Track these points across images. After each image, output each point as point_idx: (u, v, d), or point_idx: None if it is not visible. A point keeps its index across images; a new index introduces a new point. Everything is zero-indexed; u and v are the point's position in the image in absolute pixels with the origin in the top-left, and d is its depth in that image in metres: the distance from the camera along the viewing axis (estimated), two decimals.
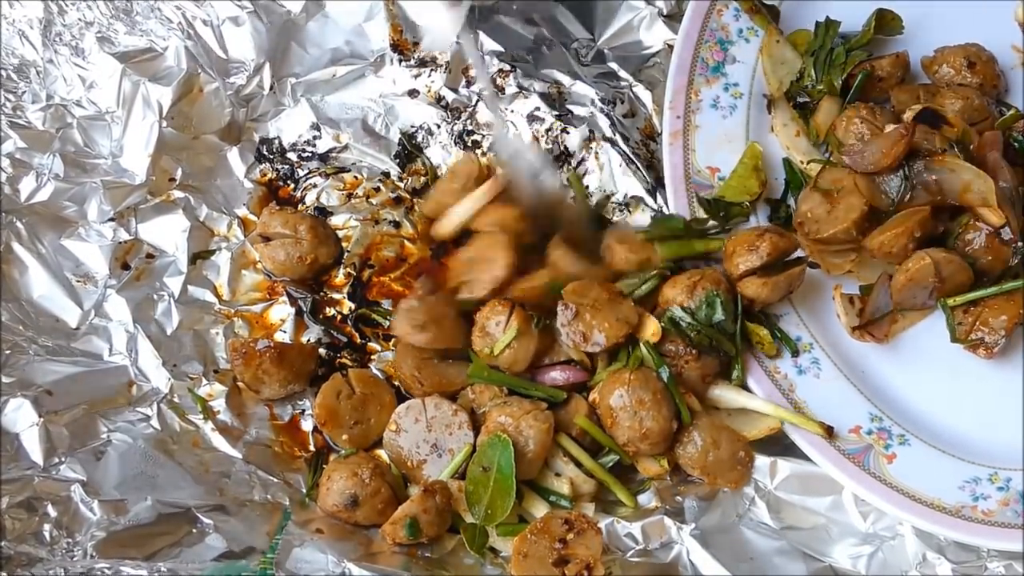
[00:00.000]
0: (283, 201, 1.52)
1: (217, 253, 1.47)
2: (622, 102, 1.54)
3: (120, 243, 1.44)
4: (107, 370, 1.35)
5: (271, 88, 1.56)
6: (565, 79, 1.55)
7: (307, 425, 1.36)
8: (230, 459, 1.31)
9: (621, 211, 1.47)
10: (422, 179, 1.53)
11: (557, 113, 1.52)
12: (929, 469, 1.29)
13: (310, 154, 1.55)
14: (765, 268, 1.32)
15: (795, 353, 1.36)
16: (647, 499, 1.30)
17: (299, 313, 1.43)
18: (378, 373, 1.39)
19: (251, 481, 1.29)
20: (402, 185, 1.53)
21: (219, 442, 1.32)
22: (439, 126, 1.55)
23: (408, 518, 1.22)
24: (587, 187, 1.50)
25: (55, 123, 1.49)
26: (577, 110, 1.53)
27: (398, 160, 1.55)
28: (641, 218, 1.46)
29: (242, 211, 1.51)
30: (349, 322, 1.43)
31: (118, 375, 1.35)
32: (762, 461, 1.30)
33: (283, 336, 1.41)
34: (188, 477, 1.26)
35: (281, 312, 1.44)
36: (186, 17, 1.54)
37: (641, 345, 1.30)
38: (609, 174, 1.49)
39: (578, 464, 1.28)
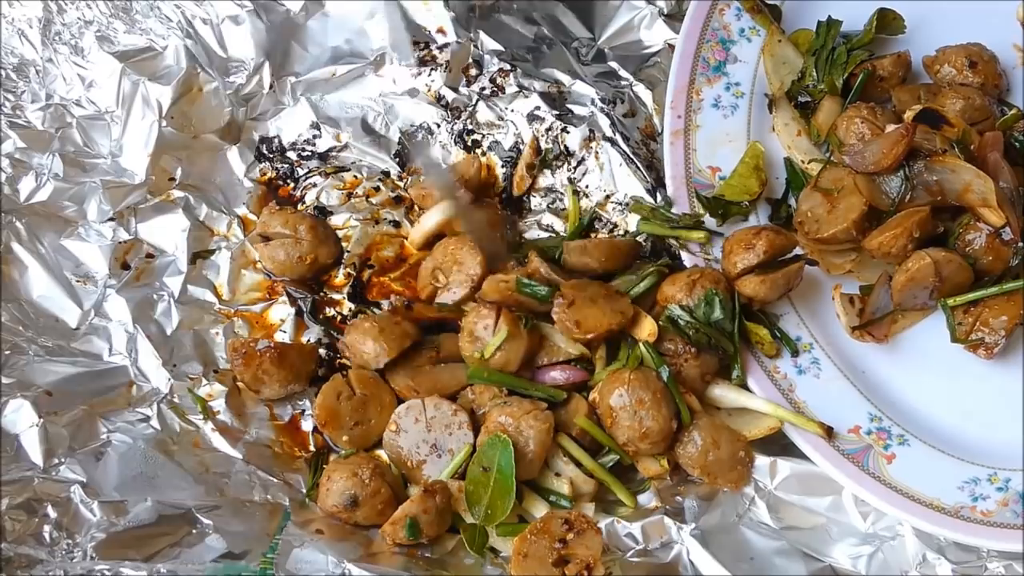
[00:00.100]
0: (283, 200, 1.52)
1: (217, 253, 1.47)
2: (622, 101, 1.54)
3: (120, 243, 1.44)
4: (107, 370, 1.35)
5: (271, 87, 1.56)
6: (565, 78, 1.55)
7: (307, 425, 1.36)
8: (230, 459, 1.31)
9: (621, 211, 1.47)
10: (422, 178, 1.52)
11: (557, 112, 1.52)
12: (928, 469, 1.29)
13: (310, 153, 1.55)
14: (763, 266, 1.32)
15: (795, 353, 1.36)
16: (647, 499, 1.30)
17: (299, 313, 1.43)
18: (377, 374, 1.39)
19: (251, 481, 1.29)
20: (402, 185, 1.52)
21: (219, 442, 1.32)
22: (439, 125, 1.55)
23: (408, 518, 1.22)
24: (586, 186, 1.50)
25: (55, 123, 1.49)
26: (577, 109, 1.53)
27: (398, 159, 1.55)
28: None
29: (242, 210, 1.51)
30: (348, 323, 1.43)
31: (118, 375, 1.35)
32: (762, 461, 1.30)
33: (283, 336, 1.41)
34: (188, 478, 1.26)
35: (281, 312, 1.44)
36: (185, 16, 1.54)
37: (640, 344, 1.30)
38: (609, 174, 1.48)
39: (578, 464, 1.28)
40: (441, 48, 1.58)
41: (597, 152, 1.50)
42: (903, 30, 1.51)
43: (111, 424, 1.29)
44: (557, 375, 1.32)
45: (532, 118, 1.53)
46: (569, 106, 1.53)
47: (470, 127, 1.54)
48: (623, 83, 1.56)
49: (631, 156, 1.48)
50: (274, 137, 1.55)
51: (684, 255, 1.41)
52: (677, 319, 1.31)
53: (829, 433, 1.29)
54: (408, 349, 1.34)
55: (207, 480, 1.27)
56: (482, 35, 1.58)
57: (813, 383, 1.34)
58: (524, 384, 1.30)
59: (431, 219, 1.44)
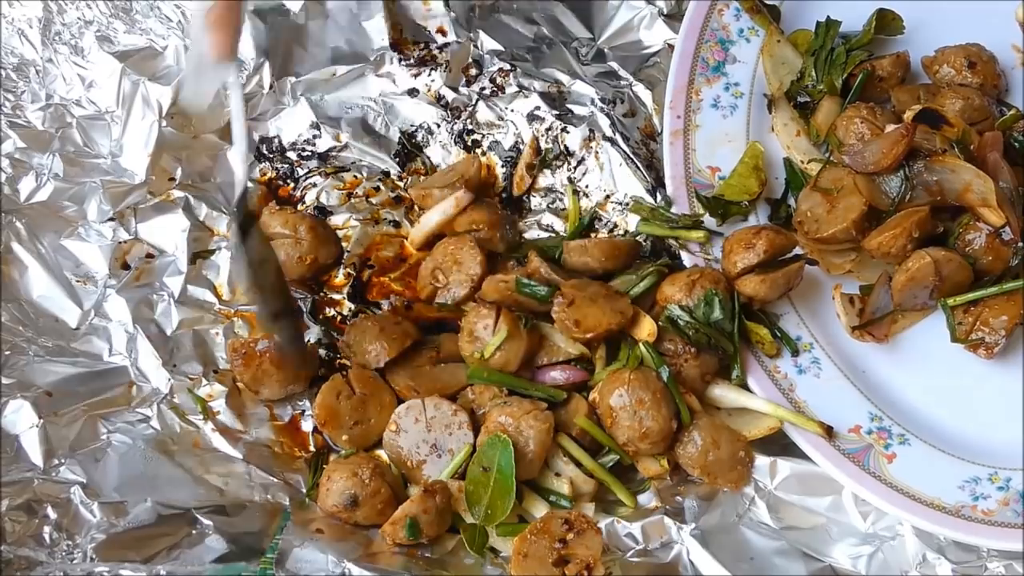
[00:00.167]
0: (283, 200, 1.52)
1: (217, 253, 1.46)
2: (622, 101, 1.54)
3: (120, 243, 1.44)
4: (107, 371, 1.35)
5: (271, 87, 1.55)
6: (565, 78, 1.55)
7: (307, 425, 1.36)
8: (230, 460, 1.31)
9: (621, 211, 1.47)
10: (422, 179, 1.52)
11: (557, 112, 1.52)
12: (929, 469, 1.29)
13: (310, 153, 1.55)
14: (762, 266, 1.32)
15: (795, 352, 1.36)
16: (647, 499, 1.30)
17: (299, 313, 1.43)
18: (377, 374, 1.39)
19: (251, 482, 1.29)
20: (402, 185, 1.52)
21: (219, 443, 1.32)
22: (439, 125, 1.55)
23: (408, 518, 1.22)
24: (586, 186, 1.50)
25: (55, 123, 1.49)
26: (577, 109, 1.53)
27: (398, 159, 1.55)
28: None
29: None
30: (349, 322, 1.42)
31: (118, 376, 1.35)
32: (762, 461, 1.30)
33: None
34: (188, 478, 1.26)
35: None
36: (186, 16, 1.54)
37: (640, 344, 1.30)
38: (609, 173, 1.48)
39: (578, 464, 1.28)
40: (441, 48, 1.58)
41: (597, 152, 1.50)
42: (902, 30, 1.52)
43: (111, 425, 1.29)
44: (557, 375, 1.32)
45: (532, 118, 1.53)
46: (569, 106, 1.53)
47: (470, 127, 1.54)
48: (623, 83, 1.56)
49: (631, 156, 1.48)
50: (274, 137, 1.55)
51: (684, 255, 1.41)
52: (677, 319, 1.31)
53: (829, 433, 1.29)
54: (408, 349, 1.34)
55: (207, 480, 1.27)
56: (482, 35, 1.58)
57: (813, 383, 1.34)
58: (524, 384, 1.30)
59: (431, 219, 1.44)
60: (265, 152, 1.55)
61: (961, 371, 1.35)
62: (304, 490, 1.30)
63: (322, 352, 1.40)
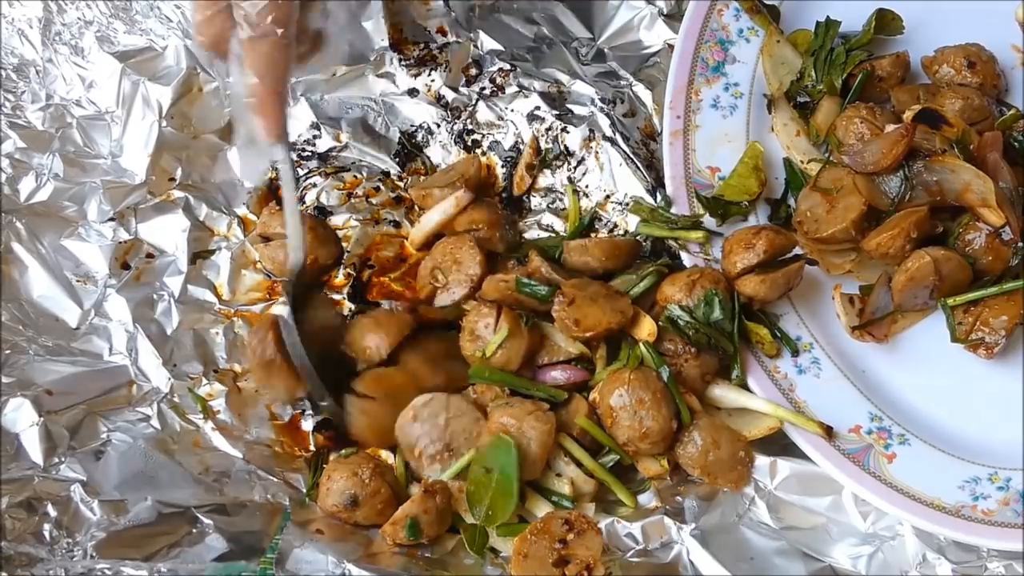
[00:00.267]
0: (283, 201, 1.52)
1: (217, 253, 1.47)
2: (622, 101, 1.54)
3: (120, 243, 1.44)
4: (107, 370, 1.35)
5: None
6: (565, 78, 1.55)
7: (307, 425, 1.36)
8: (230, 459, 1.31)
9: (621, 211, 1.47)
10: (422, 179, 1.52)
11: (557, 112, 1.52)
12: (929, 469, 1.29)
13: (310, 153, 1.55)
14: (762, 266, 1.32)
15: (795, 353, 1.35)
16: (647, 499, 1.30)
17: None
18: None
19: (251, 481, 1.29)
20: (402, 185, 1.52)
21: (219, 442, 1.32)
22: (439, 125, 1.55)
23: (409, 518, 1.22)
24: (586, 186, 1.50)
25: (55, 123, 1.49)
26: (577, 109, 1.53)
27: (398, 159, 1.55)
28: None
29: (242, 211, 1.51)
30: (347, 323, 1.42)
31: (118, 375, 1.35)
32: (762, 461, 1.30)
33: None
34: (188, 477, 1.26)
35: (281, 312, 1.43)
36: (186, 16, 1.54)
37: (640, 344, 1.30)
38: (609, 174, 1.48)
39: (578, 464, 1.28)
40: (441, 48, 1.58)
41: (597, 152, 1.50)
42: (902, 30, 1.52)
43: (111, 423, 1.29)
44: (558, 375, 1.32)
45: (532, 118, 1.53)
46: (569, 106, 1.53)
47: (470, 127, 1.55)
48: (623, 83, 1.56)
49: (631, 156, 1.48)
50: None
51: (684, 255, 1.41)
52: (677, 319, 1.31)
53: (829, 433, 1.29)
54: (413, 338, 1.33)
55: (207, 479, 1.27)
56: (482, 35, 1.58)
57: (813, 383, 1.34)
58: (525, 384, 1.30)
59: (431, 219, 1.44)
60: None
61: (961, 371, 1.35)
62: (304, 490, 1.30)
63: None
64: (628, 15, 1.60)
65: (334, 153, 1.55)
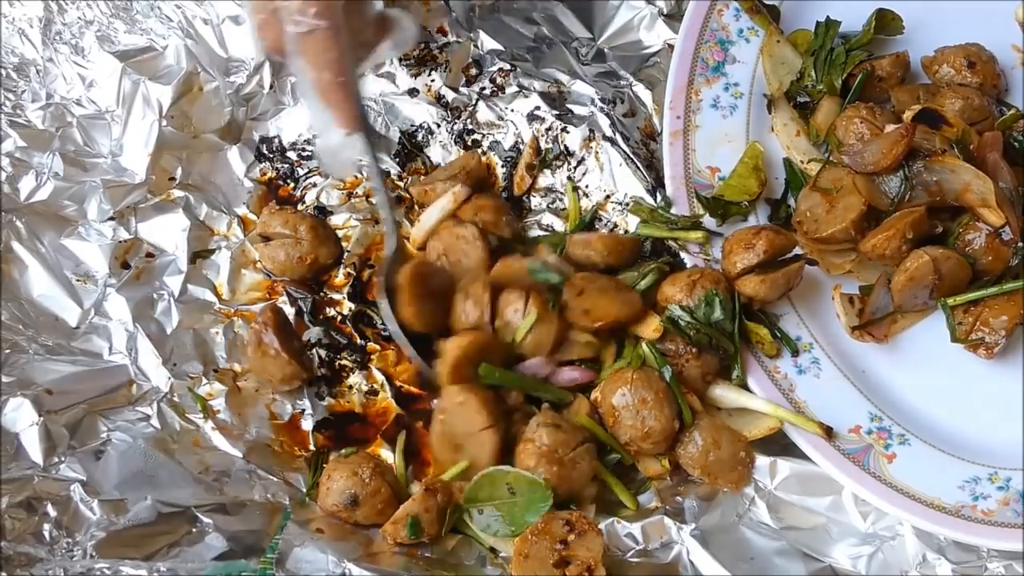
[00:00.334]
0: (283, 200, 1.52)
1: (217, 252, 1.47)
2: (622, 101, 1.54)
3: (120, 242, 1.44)
4: (107, 369, 1.35)
5: (271, 87, 1.56)
6: (565, 78, 1.55)
7: (307, 425, 1.36)
8: (230, 458, 1.31)
9: (621, 211, 1.47)
10: (422, 179, 1.52)
11: (557, 112, 1.52)
12: (929, 469, 1.29)
13: (310, 153, 1.55)
14: (763, 266, 1.32)
15: (795, 353, 1.35)
16: (647, 499, 1.30)
17: (299, 313, 1.43)
18: (378, 374, 1.39)
19: (251, 480, 1.29)
20: (402, 185, 1.52)
21: (219, 441, 1.32)
22: (439, 125, 1.55)
23: (410, 517, 1.22)
24: (586, 186, 1.50)
25: (55, 122, 1.49)
26: (577, 109, 1.53)
27: (398, 159, 1.55)
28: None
29: (242, 210, 1.51)
30: (349, 322, 1.43)
31: (118, 374, 1.35)
32: (762, 461, 1.30)
33: None
34: (188, 476, 1.26)
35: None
36: (186, 16, 1.54)
37: (643, 344, 1.30)
38: (609, 173, 1.48)
39: None
40: (441, 48, 1.58)
41: (597, 152, 1.50)
42: (901, 30, 1.52)
43: (111, 423, 1.29)
44: (577, 375, 1.31)
45: (532, 118, 1.53)
46: (569, 106, 1.53)
47: (470, 127, 1.55)
48: (623, 83, 1.56)
49: (631, 156, 1.48)
50: (274, 137, 1.55)
51: (684, 256, 1.41)
52: (678, 319, 1.31)
53: (829, 434, 1.29)
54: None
55: (207, 479, 1.27)
56: (482, 35, 1.58)
57: (813, 383, 1.34)
58: (535, 385, 1.30)
59: (431, 216, 1.44)
60: (265, 152, 1.55)
61: (961, 371, 1.35)
62: (304, 489, 1.30)
63: (322, 352, 1.40)
64: (628, 15, 1.60)
65: None
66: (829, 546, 1.26)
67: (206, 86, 1.54)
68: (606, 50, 1.60)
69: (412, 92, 1.57)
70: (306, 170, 1.53)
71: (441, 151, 1.54)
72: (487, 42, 1.58)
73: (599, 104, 1.52)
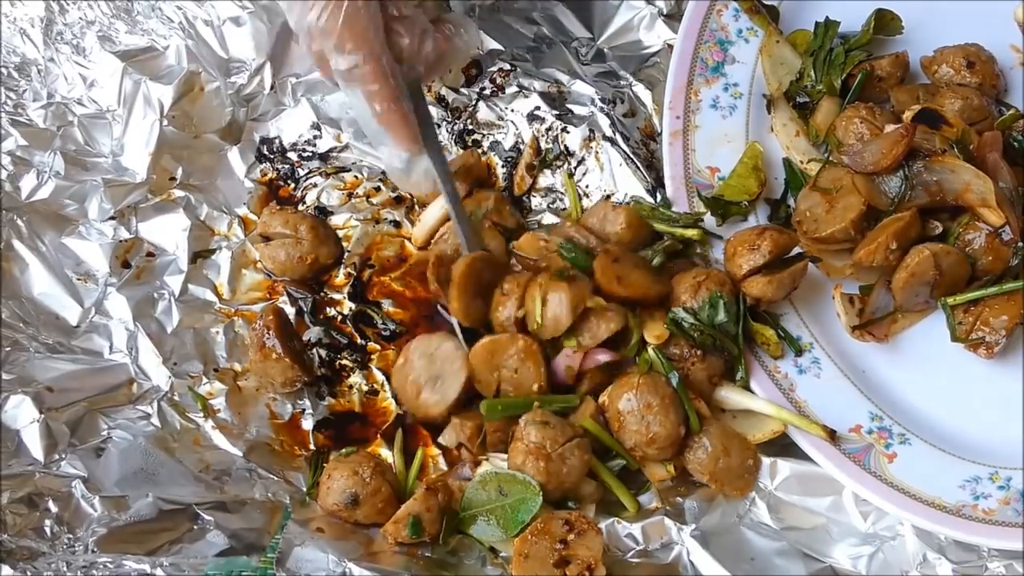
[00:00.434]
0: (283, 201, 1.52)
1: (217, 252, 1.47)
2: (622, 101, 1.54)
3: (121, 241, 1.44)
4: (107, 368, 1.35)
5: (272, 88, 1.56)
6: (565, 78, 1.55)
7: (307, 424, 1.36)
8: (230, 457, 1.31)
9: None
10: None
11: (557, 112, 1.52)
12: (930, 468, 1.29)
13: (310, 154, 1.55)
14: (768, 266, 1.32)
15: (799, 353, 1.35)
16: (648, 499, 1.29)
17: (299, 313, 1.43)
18: (379, 374, 1.39)
19: (251, 479, 1.29)
20: None
21: (219, 440, 1.32)
22: (439, 125, 1.55)
23: (411, 516, 1.22)
24: (586, 186, 1.50)
25: (56, 121, 1.49)
26: (577, 109, 1.53)
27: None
28: None
29: (242, 210, 1.51)
30: (349, 322, 1.43)
31: (118, 373, 1.35)
32: (762, 461, 1.30)
33: None
34: (188, 474, 1.26)
35: None
36: (187, 17, 1.55)
37: (650, 349, 1.30)
38: (609, 173, 1.49)
39: None
40: None
41: (597, 152, 1.50)
42: (901, 30, 1.52)
43: (111, 421, 1.29)
44: (605, 356, 1.30)
45: (532, 118, 1.53)
46: (569, 106, 1.53)
47: (470, 127, 1.55)
48: (623, 83, 1.56)
49: (631, 156, 1.49)
50: (275, 138, 1.56)
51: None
52: (682, 321, 1.31)
53: (832, 436, 1.28)
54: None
55: (207, 477, 1.27)
56: (482, 35, 1.58)
57: (814, 383, 1.34)
58: (539, 399, 1.28)
59: (432, 214, 1.45)
60: (266, 153, 1.55)
61: (961, 371, 1.35)
62: (304, 488, 1.30)
63: (322, 352, 1.40)
64: (628, 15, 1.61)
65: (335, 153, 1.55)
66: (829, 546, 1.26)
67: (207, 86, 1.54)
68: (606, 50, 1.60)
69: None
70: (306, 171, 1.53)
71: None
72: (487, 42, 1.58)
73: (599, 104, 1.53)
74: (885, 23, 1.51)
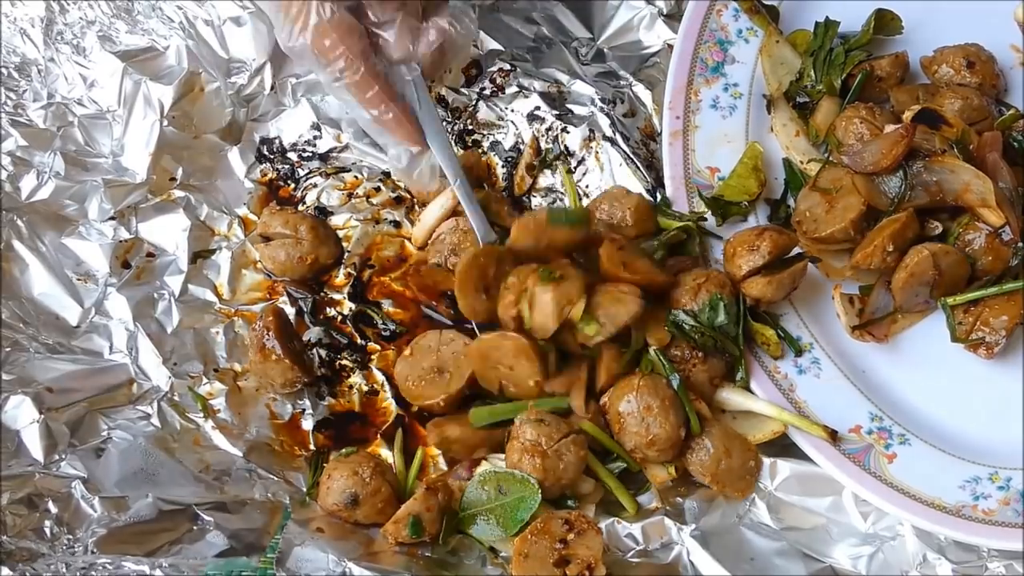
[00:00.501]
0: (283, 201, 1.52)
1: (217, 252, 1.47)
2: (622, 101, 1.54)
3: (121, 242, 1.44)
4: (107, 368, 1.35)
5: (272, 88, 1.56)
6: (565, 78, 1.55)
7: (307, 424, 1.36)
8: (230, 457, 1.31)
9: None
10: None
11: (557, 112, 1.52)
12: (929, 468, 1.28)
13: (311, 154, 1.55)
14: (768, 267, 1.32)
15: (799, 353, 1.35)
16: (647, 499, 1.29)
17: (299, 313, 1.43)
18: (379, 374, 1.39)
19: (251, 479, 1.29)
20: (402, 185, 1.53)
21: (219, 440, 1.32)
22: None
23: (411, 516, 1.22)
24: (586, 186, 1.50)
25: (56, 121, 1.49)
26: (577, 109, 1.53)
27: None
28: None
29: (242, 211, 1.51)
30: (349, 322, 1.43)
31: (118, 373, 1.35)
32: (763, 462, 1.30)
33: None
34: (188, 475, 1.26)
35: None
36: (187, 17, 1.55)
37: (651, 351, 1.29)
38: (609, 173, 1.49)
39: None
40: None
41: (597, 152, 1.50)
42: (901, 31, 1.52)
43: (112, 421, 1.29)
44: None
45: (532, 118, 1.53)
46: (569, 106, 1.53)
47: (470, 127, 1.55)
48: (623, 83, 1.56)
49: (631, 156, 1.49)
50: (275, 138, 1.56)
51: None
52: (682, 323, 1.31)
53: (833, 437, 1.28)
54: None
55: (207, 478, 1.27)
56: (482, 35, 1.58)
57: (813, 383, 1.34)
58: (527, 406, 1.28)
59: (431, 213, 1.44)
60: (266, 153, 1.55)
61: (961, 371, 1.35)
62: (304, 488, 1.30)
63: (322, 352, 1.40)
64: (628, 15, 1.61)
65: (335, 153, 1.55)
66: (829, 546, 1.26)
67: (207, 87, 1.54)
68: (606, 50, 1.60)
69: None
70: (307, 171, 1.53)
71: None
72: (487, 42, 1.58)
73: (599, 104, 1.53)
74: (885, 23, 1.51)
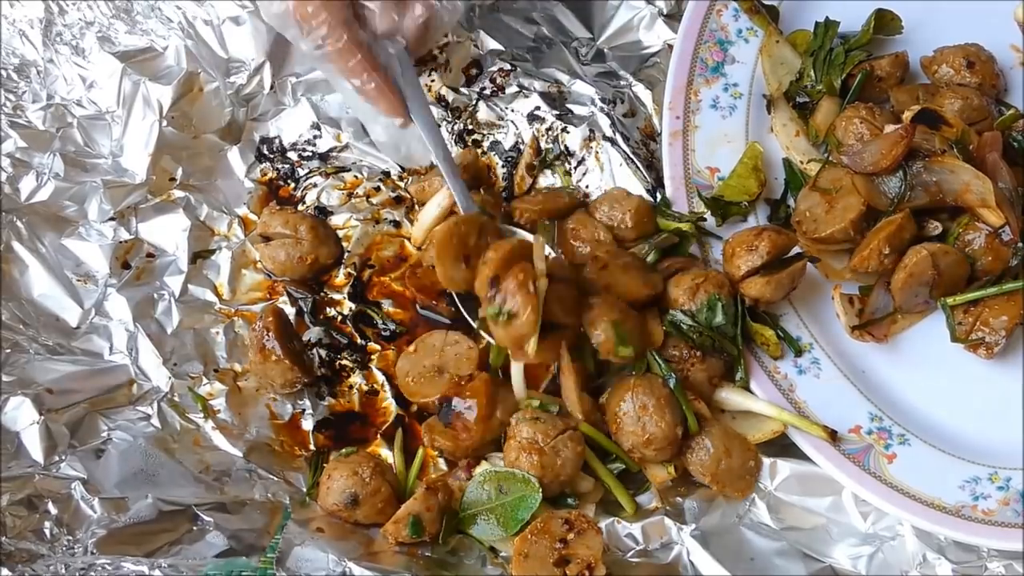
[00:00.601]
0: (283, 201, 1.52)
1: (217, 252, 1.47)
2: (622, 101, 1.54)
3: (120, 242, 1.44)
4: (107, 369, 1.35)
5: (271, 87, 1.56)
6: (565, 78, 1.55)
7: (307, 424, 1.36)
8: (231, 458, 1.31)
9: None
10: (422, 178, 1.53)
11: (557, 112, 1.52)
12: (929, 469, 1.28)
13: (310, 153, 1.55)
14: (766, 267, 1.32)
15: (798, 353, 1.35)
16: (647, 499, 1.29)
17: (299, 313, 1.43)
18: (379, 374, 1.39)
19: (251, 480, 1.29)
20: (402, 184, 1.53)
21: (219, 441, 1.32)
22: (439, 125, 1.55)
23: (411, 516, 1.22)
24: (586, 186, 1.50)
25: (55, 122, 1.49)
26: (577, 109, 1.53)
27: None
28: None
29: (242, 210, 1.51)
30: (349, 322, 1.43)
31: (118, 374, 1.35)
32: (762, 462, 1.30)
33: None
34: (188, 475, 1.26)
35: None
36: (186, 17, 1.55)
37: (648, 351, 1.30)
38: (609, 173, 1.49)
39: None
40: (441, 48, 1.59)
41: (597, 152, 1.50)
42: (901, 30, 1.52)
43: (111, 422, 1.29)
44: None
45: (532, 118, 1.53)
46: (569, 106, 1.53)
47: (470, 127, 1.55)
48: (623, 83, 1.56)
49: (631, 156, 1.49)
50: (275, 137, 1.56)
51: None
52: (680, 323, 1.31)
53: (833, 437, 1.28)
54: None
55: (207, 478, 1.27)
56: (482, 35, 1.58)
57: (813, 383, 1.34)
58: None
59: (429, 213, 1.44)
60: (266, 152, 1.55)
61: (961, 371, 1.35)
62: (304, 488, 1.30)
63: (322, 352, 1.40)
64: (628, 15, 1.61)
65: (335, 153, 1.55)
66: (829, 546, 1.26)
67: (206, 87, 1.54)
68: (606, 50, 1.60)
69: None
70: (306, 170, 1.53)
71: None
72: (487, 42, 1.58)
73: (599, 104, 1.53)
74: (885, 23, 1.51)
